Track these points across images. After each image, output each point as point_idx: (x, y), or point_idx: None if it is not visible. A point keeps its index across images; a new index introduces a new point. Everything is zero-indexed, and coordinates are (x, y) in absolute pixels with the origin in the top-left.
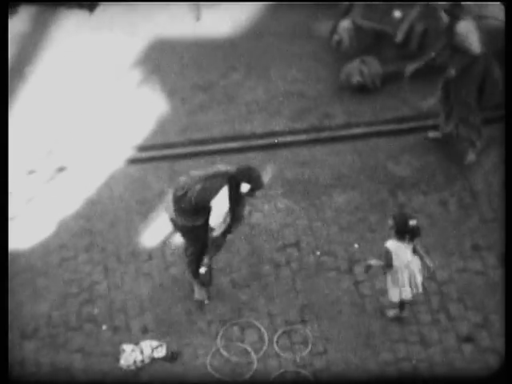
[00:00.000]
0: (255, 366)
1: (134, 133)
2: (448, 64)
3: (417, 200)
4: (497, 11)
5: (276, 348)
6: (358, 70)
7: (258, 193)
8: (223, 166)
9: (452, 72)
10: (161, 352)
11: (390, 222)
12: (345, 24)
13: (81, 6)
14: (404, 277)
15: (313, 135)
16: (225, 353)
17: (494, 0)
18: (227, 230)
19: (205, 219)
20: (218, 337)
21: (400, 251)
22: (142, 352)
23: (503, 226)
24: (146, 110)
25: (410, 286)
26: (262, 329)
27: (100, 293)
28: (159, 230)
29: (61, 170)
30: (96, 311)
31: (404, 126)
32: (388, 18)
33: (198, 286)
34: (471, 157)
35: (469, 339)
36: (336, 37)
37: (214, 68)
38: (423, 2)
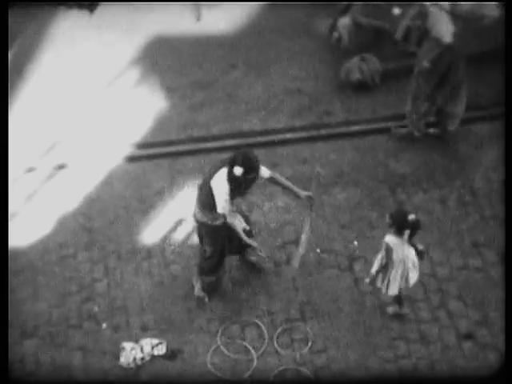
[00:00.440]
0: (255, 363)
1: (134, 130)
2: (420, 53)
3: (417, 197)
4: (489, 9)
5: (276, 346)
6: (357, 67)
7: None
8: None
9: (425, 64)
10: (161, 350)
11: (388, 219)
12: (344, 21)
13: (81, 6)
14: (398, 272)
15: (313, 133)
16: (225, 350)
17: (494, 0)
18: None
19: (224, 219)
20: (218, 334)
21: (397, 246)
22: (142, 350)
23: (503, 223)
24: (145, 107)
25: (401, 280)
26: (263, 326)
27: (100, 291)
28: (159, 228)
29: (60, 167)
30: (96, 309)
31: (404, 123)
32: (387, 15)
33: (198, 283)
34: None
35: (469, 336)
36: (336, 34)
37: (213, 66)
38: (422, 2)
